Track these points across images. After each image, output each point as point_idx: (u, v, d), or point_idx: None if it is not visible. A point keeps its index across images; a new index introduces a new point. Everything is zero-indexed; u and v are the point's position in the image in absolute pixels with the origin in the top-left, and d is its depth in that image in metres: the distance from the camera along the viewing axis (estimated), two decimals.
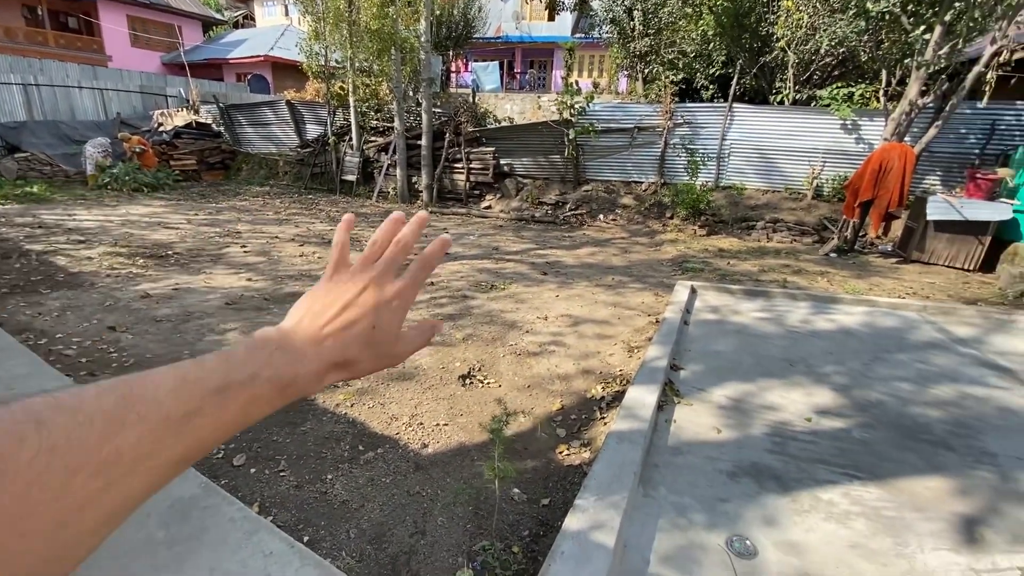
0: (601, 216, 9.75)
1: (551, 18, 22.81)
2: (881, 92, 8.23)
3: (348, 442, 2.49)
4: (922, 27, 6.46)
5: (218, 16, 27.78)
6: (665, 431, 2.55)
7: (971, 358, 3.61)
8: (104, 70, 16.03)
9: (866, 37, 8.10)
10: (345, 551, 1.84)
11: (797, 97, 9.66)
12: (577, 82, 10.08)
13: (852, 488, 2.16)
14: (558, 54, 21.99)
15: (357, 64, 11.29)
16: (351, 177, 11.76)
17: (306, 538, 1.88)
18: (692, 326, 4.08)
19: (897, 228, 7.57)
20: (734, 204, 9.21)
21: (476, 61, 21.64)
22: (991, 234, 6.28)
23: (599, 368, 3.40)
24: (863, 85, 8.86)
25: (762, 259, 6.90)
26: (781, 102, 9.72)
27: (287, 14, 27.77)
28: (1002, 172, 6.57)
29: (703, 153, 9.55)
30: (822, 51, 9.14)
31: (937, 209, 6.45)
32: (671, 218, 9.25)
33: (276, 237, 7.11)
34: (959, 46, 6.39)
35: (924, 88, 6.77)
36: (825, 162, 8.85)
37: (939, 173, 8.26)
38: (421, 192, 10.99)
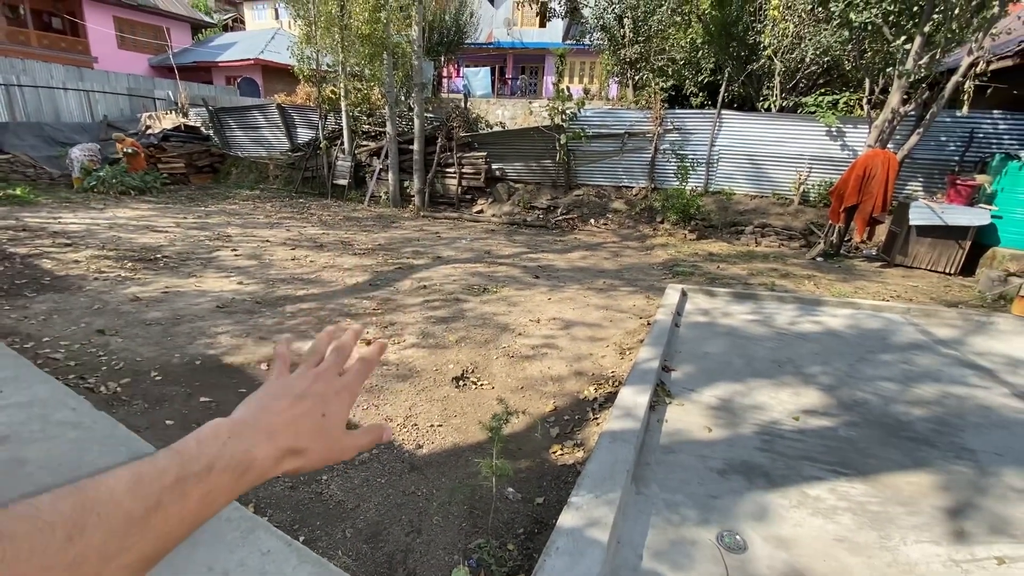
0: (592, 220, 9.83)
1: (542, 24, 23.01)
2: (865, 100, 8.42)
3: None
4: (903, 38, 6.64)
5: (207, 19, 27.60)
6: (657, 430, 2.59)
7: (952, 358, 3.71)
8: (90, 71, 15.84)
9: (850, 47, 8.29)
10: (341, 550, 1.85)
11: (784, 104, 9.85)
12: (568, 88, 10.16)
13: (839, 484, 2.22)
14: (549, 60, 22.16)
15: (349, 68, 11.30)
16: (343, 181, 11.74)
17: (302, 538, 1.89)
18: (683, 328, 4.14)
19: (881, 233, 7.74)
20: (723, 209, 9.35)
21: (468, 66, 21.73)
22: (971, 239, 6.44)
23: (591, 370, 3.44)
24: (847, 93, 9.06)
25: (751, 263, 7.00)
26: (768, 109, 9.91)
27: (277, 17, 27.70)
28: (980, 179, 6.76)
29: (692, 159, 9.69)
30: (807, 60, 9.35)
31: (919, 214, 6.61)
32: (661, 222, 9.36)
33: (267, 241, 7.08)
34: (938, 56, 6.58)
35: (906, 97, 6.94)
36: (811, 168, 9.03)
37: (921, 179, 8.46)
38: (413, 196, 11.00)
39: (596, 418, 2.82)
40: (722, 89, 9.51)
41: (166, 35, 22.60)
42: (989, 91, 7.31)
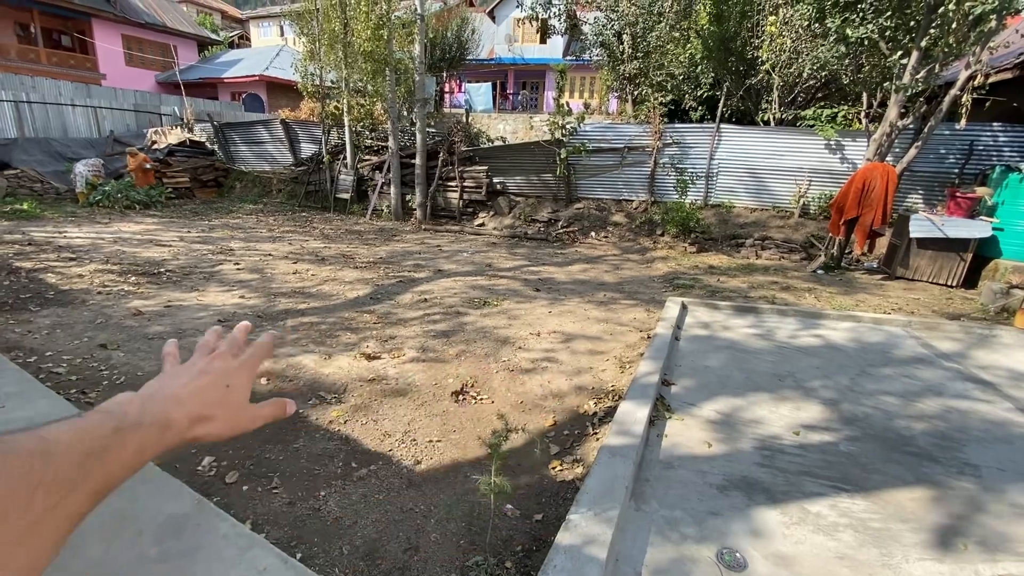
0: (593, 233, 9.87)
1: (543, 41, 23.32)
2: (863, 114, 8.49)
3: (341, 459, 2.50)
4: (899, 52, 6.71)
5: (213, 36, 28.10)
6: (657, 446, 2.58)
7: (954, 372, 3.69)
8: (98, 88, 16.10)
9: (847, 61, 8.38)
10: (339, 568, 1.84)
11: (782, 118, 9.93)
12: (568, 103, 10.29)
13: (840, 500, 2.20)
14: (550, 75, 22.42)
15: (352, 84, 11.47)
16: (345, 195, 11.84)
17: (299, 555, 1.88)
18: (683, 342, 4.14)
19: (882, 245, 7.74)
20: (723, 222, 9.37)
21: (469, 82, 22.01)
22: (972, 251, 6.44)
23: (591, 384, 3.43)
24: (845, 107, 9.13)
25: (751, 276, 7.00)
26: (767, 122, 9.98)
27: (282, 35, 28.19)
28: (981, 191, 6.77)
29: (692, 172, 9.75)
30: (805, 74, 9.44)
31: (920, 227, 6.62)
32: (661, 235, 9.39)
33: (270, 255, 7.12)
34: (935, 70, 6.64)
35: (903, 110, 7.00)
36: (811, 181, 9.06)
37: (921, 192, 8.48)
38: (415, 210, 11.08)
39: (596, 433, 2.81)
40: (721, 103, 9.60)
41: (173, 52, 22.98)
42: (988, 104, 7.36)
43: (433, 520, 2.10)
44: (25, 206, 9.05)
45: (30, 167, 11.15)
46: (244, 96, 22.03)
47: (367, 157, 12.07)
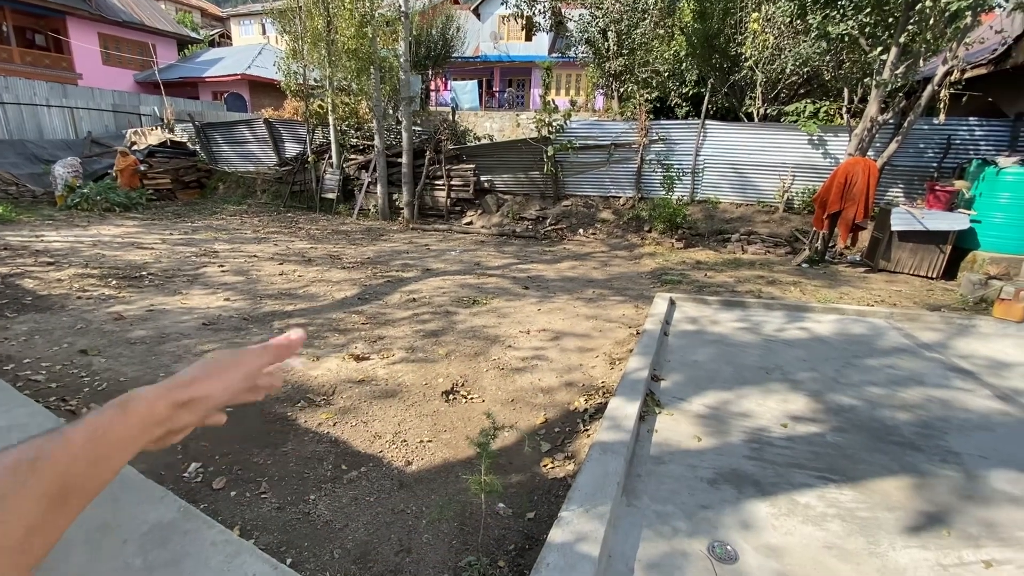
0: (581, 230, 9.89)
1: (528, 38, 23.29)
2: (844, 109, 8.60)
3: (331, 461, 2.47)
4: (879, 48, 6.81)
5: (193, 34, 27.61)
6: (647, 441, 2.59)
7: (936, 362, 3.77)
8: (74, 88, 15.74)
9: (828, 57, 8.48)
10: (329, 572, 1.82)
11: (766, 114, 10.03)
12: (555, 100, 10.28)
13: (827, 491, 2.23)
14: (535, 73, 22.41)
15: (336, 83, 11.34)
16: (331, 195, 11.72)
17: (289, 560, 1.85)
18: (671, 337, 4.17)
19: (864, 239, 7.87)
20: (709, 217, 9.45)
21: (455, 80, 21.91)
22: (951, 243, 6.57)
23: (582, 381, 3.44)
24: (827, 102, 9.25)
25: (738, 271, 7.07)
26: (751, 118, 10.07)
27: (264, 33, 27.80)
28: (959, 184, 6.91)
29: (678, 168, 9.80)
30: (788, 70, 9.54)
31: (901, 220, 6.73)
32: (649, 232, 9.44)
33: (255, 256, 7.02)
34: (914, 66, 6.75)
35: (883, 105, 7.10)
36: (795, 176, 9.17)
37: (901, 186, 8.63)
38: (402, 209, 11.01)
39: (587, 430, 2.82)
40: (706, 100, 9.66)
41: (152, 51, 22.56)
42: (964, 99, 7.51)
43: (425, 521, 2.09)
44: (0, 210, 8.82)
45: (4, 170, 10.88)
46: (226, 95, 21.69)
47: (353, 156, 11.96)
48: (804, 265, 7.43)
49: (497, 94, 24.40)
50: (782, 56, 9.49)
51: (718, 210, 9.60)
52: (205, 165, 13.40)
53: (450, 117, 14.13)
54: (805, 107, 9.09)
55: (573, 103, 16.55)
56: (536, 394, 3.25)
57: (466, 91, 20.15)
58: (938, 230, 6.55)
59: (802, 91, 10.34)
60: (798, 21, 7.95)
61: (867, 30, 6.84)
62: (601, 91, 14.22)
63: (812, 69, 9.42)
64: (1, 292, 4.79)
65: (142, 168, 10.92)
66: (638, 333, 4.15)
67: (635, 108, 10.18)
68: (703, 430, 2.71)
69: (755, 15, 9.33)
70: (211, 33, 31.76)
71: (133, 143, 13.51)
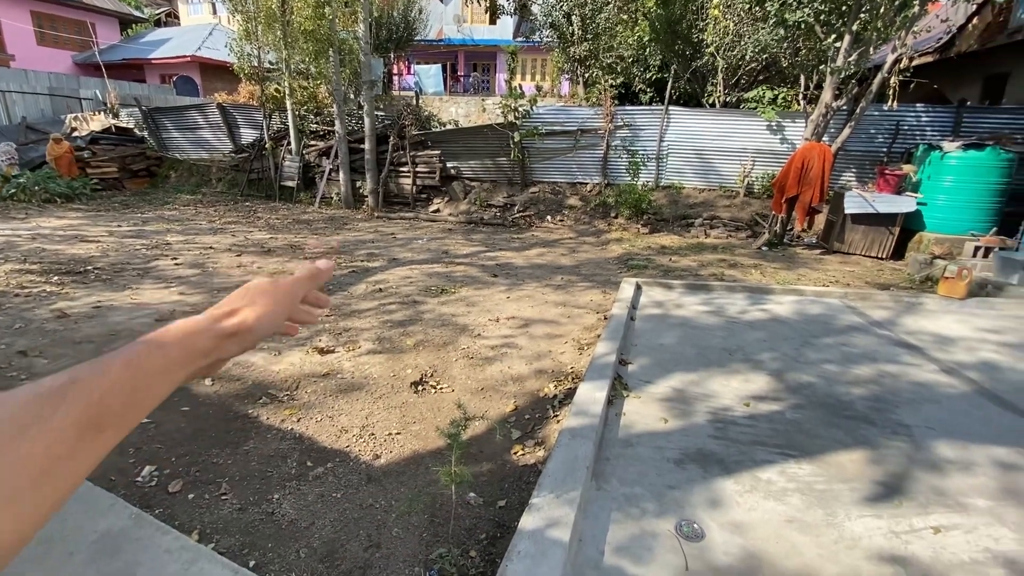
0: (549, 217, 9.89)
1: (492, 22, 22.91)
2: (801, 95, 8.84)
3: (295, 459, 2.40)
4: (833, 36, 7.00)
5: (137, 13, 25.97)
6: (615, 424, 2.62)
7: (886, 339, 3.95)
8: (6, 70, 14.59)
9: (786, 45, 8.67)
10: (295, 572, 1.77)
11: (727, 100, 10.21)
12: (521, 85, 10.19)
13: (788, 466, 2.31)
14: (501, 57, 22.11)
15: (293, 66, 10.89)
16: (291, 183, 11.32)
17: (252, 562, 1.79)
18: (638, 321, 4.22)
19: (820, 222, 8.15)
20: (674, 203, 9.60)
21: (418, 64, 21.40)
22: (899, 225, 6.88)
23: (551, 367, 3.45)
24: (785, 89, 9.48)
25: (701, 255, 7.23)
26: (713, 104, 10.23)
27: (215, 12, 26.36)
28: (906, 168, 7.22)
29: (643, 154, 9.90)
30: (747, 57, 9.71)
31: (853, 203, 7.00)
32: (616, 217, 9.52)
33: (211, 248, 6.73)
34: (866, 53, 6.97)
35: (837, 92, 7.33)
36: (755, 161, 9.40)
37: (854, 170, 8.97)
38: (366, 197, 10.74)
39: (556, 415, 2.83)
40: (669, 86, 9.75)
41: (91, 31, 21.11)
42: (912, 86, 7.82)
43: (394, 515, 2.06)
44: None
45: None
46: (175, 79, 20.53)
47: (313, 143, 11.56)
48: (764, 248, 7.65)
49: (462, 79, 23.98)
50: (742, 43, 9.65)
51: (682, 195, 9.76)
52: (155, 152, 12.70)
53: (414, 102, 13.80)
54: (764, 94, 9.30)
55: (539, 88, 16.44)
56: (506, 382, 3.24)
57: (430, 75, 19.71)
58: (888, 212, 6.84)
59: (761, 77, 10.56)
60: (757, 8, 8.08)
61: (822, 18, 7.01)
62: (566, 76, 14.16)
63: (771, 56, 9.62)
64: None
65: (85, 156, 10.23)
66: (606, 318, 4.18)
67: (600, 94, 10.18)
68: (669, 412, 2.76)
69: (715, 1, 9.43)
70: (157, 12, 29.93)
71: (73, 129, 12.64)
